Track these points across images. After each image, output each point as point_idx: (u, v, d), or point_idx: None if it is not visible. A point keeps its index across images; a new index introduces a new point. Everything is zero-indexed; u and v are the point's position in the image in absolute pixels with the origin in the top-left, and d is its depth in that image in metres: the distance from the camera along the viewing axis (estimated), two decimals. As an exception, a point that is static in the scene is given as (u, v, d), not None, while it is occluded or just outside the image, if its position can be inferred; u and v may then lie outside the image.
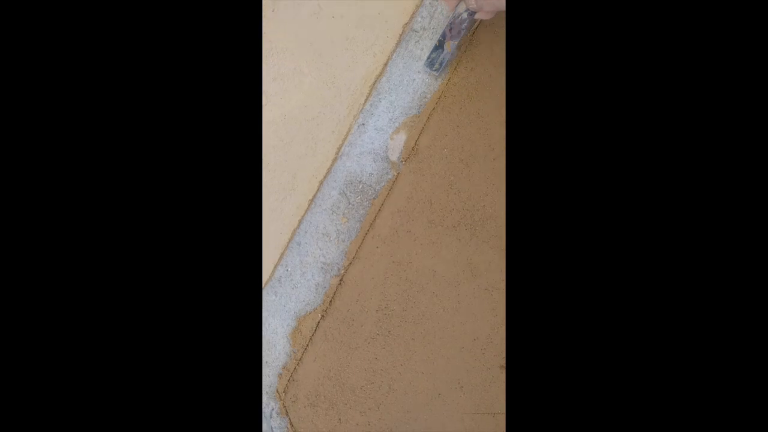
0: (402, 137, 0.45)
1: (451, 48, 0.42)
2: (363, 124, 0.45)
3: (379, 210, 0.45)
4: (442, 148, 0.45)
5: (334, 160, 0.45)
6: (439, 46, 0.42)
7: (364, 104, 0.45)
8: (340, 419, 0.45)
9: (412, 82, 0.45)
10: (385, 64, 0.45)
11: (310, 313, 0.45)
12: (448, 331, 0.45)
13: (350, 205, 0.45)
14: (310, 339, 0.45)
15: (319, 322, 0.45)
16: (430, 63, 0.43)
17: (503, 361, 0.45)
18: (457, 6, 0.40)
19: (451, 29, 0.41)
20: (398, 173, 0.45)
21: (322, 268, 0.45)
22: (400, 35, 0.45)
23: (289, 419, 0.46)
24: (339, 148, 0.45)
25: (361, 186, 0.45)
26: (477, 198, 0.45)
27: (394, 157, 0.45)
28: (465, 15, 0.41)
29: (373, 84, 0.45)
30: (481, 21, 0.42)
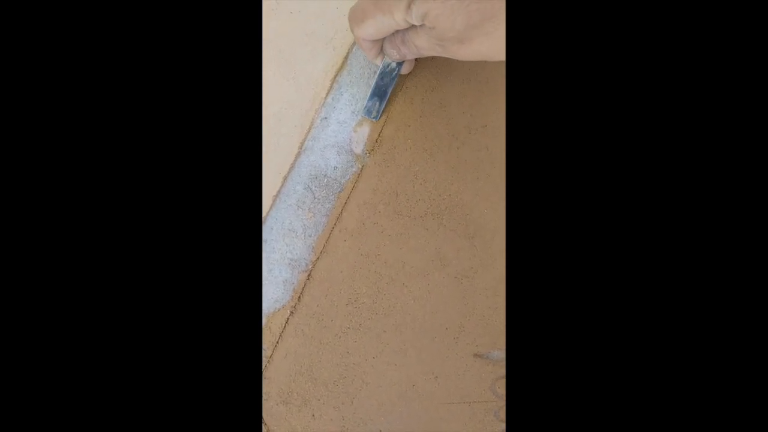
0: (365, 129, 0.45)
1: (386, 95, 0.44)
2: (325, 117, 0.45)
3: (345, 203, 0.45)
4: (406, 139, 0.45)
5: (298, 155, 0.45)
6: (374, 95, 0.43)
7: (325, 98, 0.45)
8: (313, 415, 0.44)
9: (373, 75, 0.45)
10: (346, 58, 0.45)
11: (278, 310, 0.45)
12: (420, 322, 0.44)
13: (316, 200, 0.45)
14: (280, 336, 0.44)
15: (288, 318, 0.45)
16: (368, 112, 0.44)
17: (477, 350, 0.45)
18: (383, 58, 0.42)
19: (382, 78, 0.43)
20: (363, 166, 0.45)
21: (289, 264, 0.45)
22: (358, 30, 0.45)
23: (262, 418, 0.45)
24: (302, 143, 0.45)
25: (326, 180, 0.45)
26: (443, 187, 0.45)
27: (358, 149, 0.45)
28: (394, 65, 0.42)
29: (334, 77, 0.45)
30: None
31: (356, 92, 0.45)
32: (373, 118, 0.44)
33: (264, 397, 0.45)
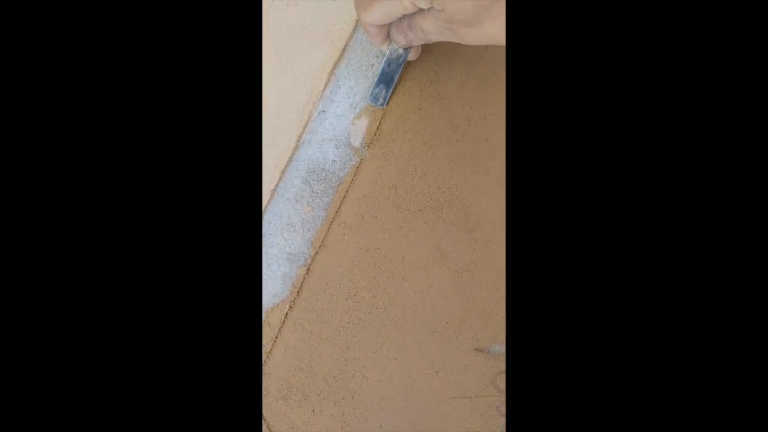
0: (364, 122, 0.45)
1: (393, 81, 0.43)
2: (323, 111, 0.45)
3: (344, 197, 0.44)
4: (405, 132, 0.45)
5: (296, 148, 0.45)
6: (381, 81, 0.43)
7: (323, 91, 0.45)
8: (314, 411, 0.44)
9: (371, 67, 0.45)
10: (343, 50, 0.45)
11: (277, 305, 0.44)
12: (420, 316, 0.44)
13: (314, 194, 0.45)
14: (279, 331, 0.44)
15: (287, 313, 0.44)
16: (374, 99, 0.44)
17: (478, 344, 0.44)
18: (390, 44, 0.41)
19: (389, 65, 0.42)
20: (362, 159, 0.45)
21: (288, 258, 0.45)
22: (357, 21, 0.45)
23: (262, 413, 0.45)
24: (300, 136, 0.45)
25: (324, 173, 0.45)
26: (442, 180, 0.44)
27: (356, 142, 0.45)
28: (401, 50, 0.41)
29: (332, 70, 0.45)
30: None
31: (354, 85, 0.45)
32: (380, 105, 0.44)
33: (263, 392, 0.44)
